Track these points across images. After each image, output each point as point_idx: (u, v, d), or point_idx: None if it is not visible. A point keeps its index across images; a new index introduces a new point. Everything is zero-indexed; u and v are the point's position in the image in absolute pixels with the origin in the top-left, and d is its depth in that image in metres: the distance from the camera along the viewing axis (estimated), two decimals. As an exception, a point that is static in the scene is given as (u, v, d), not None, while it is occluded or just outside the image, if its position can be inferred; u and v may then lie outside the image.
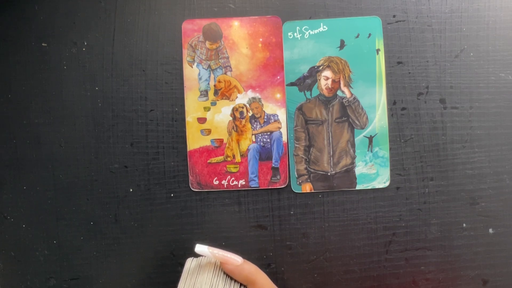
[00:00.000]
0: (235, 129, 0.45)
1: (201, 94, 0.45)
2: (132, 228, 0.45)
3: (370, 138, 0.44)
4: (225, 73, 0.45)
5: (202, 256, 0.39)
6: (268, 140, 0.45)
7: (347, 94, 0.44)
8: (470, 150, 0.44)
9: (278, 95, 0.45)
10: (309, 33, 0.44)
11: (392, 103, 0.44)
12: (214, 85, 0.45)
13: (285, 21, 0.44)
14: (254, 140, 0.45)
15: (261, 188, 0.44)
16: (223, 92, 0.45)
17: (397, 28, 0.44)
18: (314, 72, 0.44)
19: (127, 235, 0.45)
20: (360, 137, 0.44)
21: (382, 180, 0.44)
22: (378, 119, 0.44)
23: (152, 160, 0.45)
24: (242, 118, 0.45)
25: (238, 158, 0.45)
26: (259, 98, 0.45)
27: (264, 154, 0.45)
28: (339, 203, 0.44)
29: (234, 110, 0.45)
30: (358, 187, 0.44)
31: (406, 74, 0.44)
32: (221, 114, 0.45)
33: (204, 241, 0.44)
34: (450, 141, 0.44)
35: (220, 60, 0.45)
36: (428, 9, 0.44)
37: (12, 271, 0.45)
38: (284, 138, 0.45)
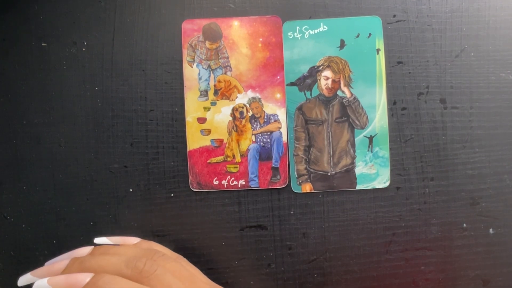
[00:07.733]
0: (235, 129, 0.45)
1: (201, 94, 0.45)
2: (132, 228, 0.45)
3: (370, 138, 0.44)
4: (225, 73, 0.45)
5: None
6: (268, 140, 0.45)
7: (347, 94, 0.44)
8: (470, 150, 0.44)
9: (278, 95, 0.44)
10: (309, 33, 0.44)
11: (392, 103, 0.44)
12: (214, 85, 0.45)
13: (285, 21, 0.44)
14: (254, 140, 0.45)
15: (261, 188, 0.44)
16: (223, 92, 0.45)
17: (397, 28, 0.44)
18: (314, 72, 0.44)
19: (127, 235, 0.45)
20: (360, 137, 0.44)
21: (382, 180, 0.44)
22: (378, 119, 0.44)
23: (152, 160, 0.45)
24: (242, 118, 0.45)
25: (238, 158, 0.45)
26: (259, 98, 0.45)
27: (264, 154, 0.45)
28: (339, 203, 0.44)
29: (234, 110, 0.45)
30: (358, 187, 0.44)
31: (406, 74, 0.44)
32: (221, 114, 0.45)
33: (204, 241, 0.44)
34: (450, 141, 0.44)
35: (220, 60, 0.45)
36: (428, 8, 0.44)
37: (12, 271, 0.45)
38: (284, 138, 0.44)
